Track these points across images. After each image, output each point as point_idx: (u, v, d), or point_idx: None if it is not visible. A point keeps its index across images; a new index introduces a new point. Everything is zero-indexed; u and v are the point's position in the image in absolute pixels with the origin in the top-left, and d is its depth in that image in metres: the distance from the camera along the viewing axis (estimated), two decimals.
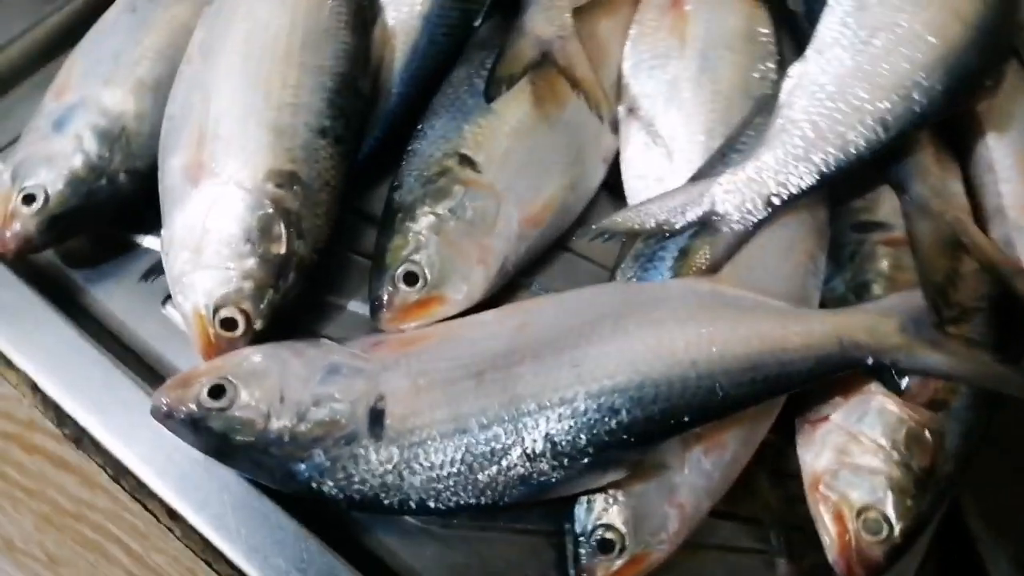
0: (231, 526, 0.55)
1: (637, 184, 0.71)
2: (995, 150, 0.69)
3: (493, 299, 0.64)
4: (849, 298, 0.62)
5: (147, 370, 0.61)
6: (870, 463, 0.59)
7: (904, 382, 0.59)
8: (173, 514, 0.55)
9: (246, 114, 0.61)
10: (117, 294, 0.65)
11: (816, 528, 0.60)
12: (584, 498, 0.57)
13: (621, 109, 0.73)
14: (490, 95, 0.64)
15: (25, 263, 0.61)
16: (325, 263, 0.64)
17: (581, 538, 0.56)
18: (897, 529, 0.58)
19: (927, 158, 0.64)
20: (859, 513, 0.58)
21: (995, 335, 0.63)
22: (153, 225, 0.63)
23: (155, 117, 0.64)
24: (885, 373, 0.58)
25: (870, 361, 0.56)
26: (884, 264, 0.63)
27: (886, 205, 0.66)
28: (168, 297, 0.63)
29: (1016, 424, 0.70)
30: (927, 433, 0.60)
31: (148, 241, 0.66)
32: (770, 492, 0.64)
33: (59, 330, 0.59)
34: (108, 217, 0.64)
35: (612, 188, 0.72)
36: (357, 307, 0.66)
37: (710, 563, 0.62)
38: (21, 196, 0.60)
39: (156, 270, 0.64)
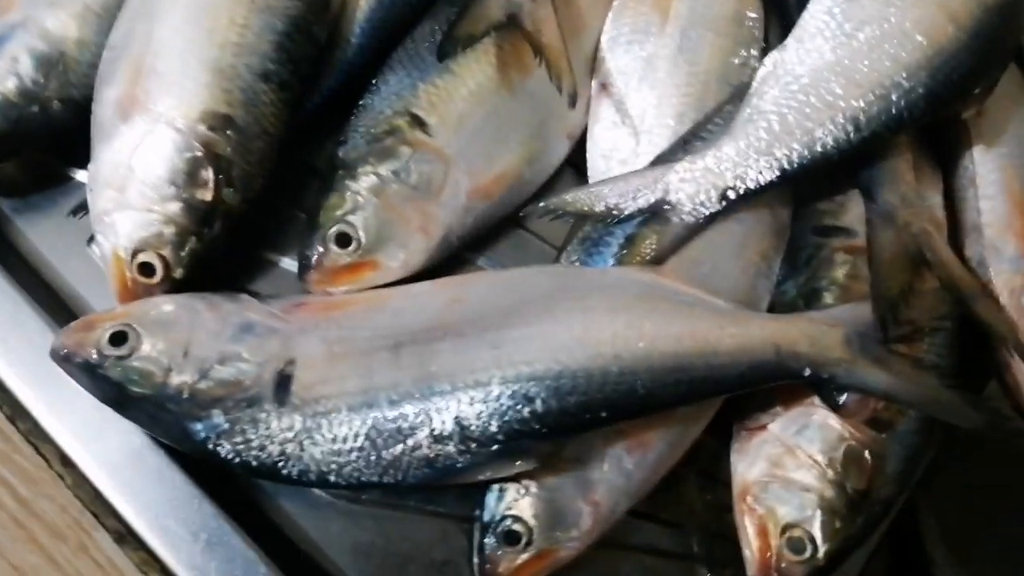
0: (125, 480, 0.53)
1: (601, 164, 0.68)
2: (980, 164, 0.65)
3: (436, 272, 0.62)
4: (799, 304, 0.59)
5: (63, 310, 0.59)
6: (803, 479, 0.57)
7: (845, 398, 0.56)
8: (66, 461, 0.53)
9: (186, 50, 0.58)
10: (43, 227, 0.62)
11: (739, 540, 0.57)
12: (497, 486, 0.54)
13: (594, 84, 0.69)
14: (443, 52, 0.60)
15: None
16: (262, 216, 0.61)
17: (488, 527, 0.54)
18: (821, 550, 0.55)
19: (902, 164, 0.60)
20: (784, 530, 0.56)
21: (956, 359, 0.60)
22: (74, 159, 0.61)
23: (97, 46, 0.60)
24: (824, 386, 0.55)
25: (807, 372, 0.53)
26: (840, 272, 0.60)
27: (854, 211, 0.62)
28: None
29: (983, 451, 0.68)
30: (867, 454, 0.57)
31: (82, 175, 0.63)
32: (698, 497, 0.61)
33: None
34: (40, 145, 0.62)
35: (579, 168, 0.69)
36: (291, 265, 0.63)
37: (627, 565, 0.60)
38: None
39: (86, 206, 0.61)
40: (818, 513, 0.56)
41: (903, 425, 0.58)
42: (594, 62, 0.70)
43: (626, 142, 0.67)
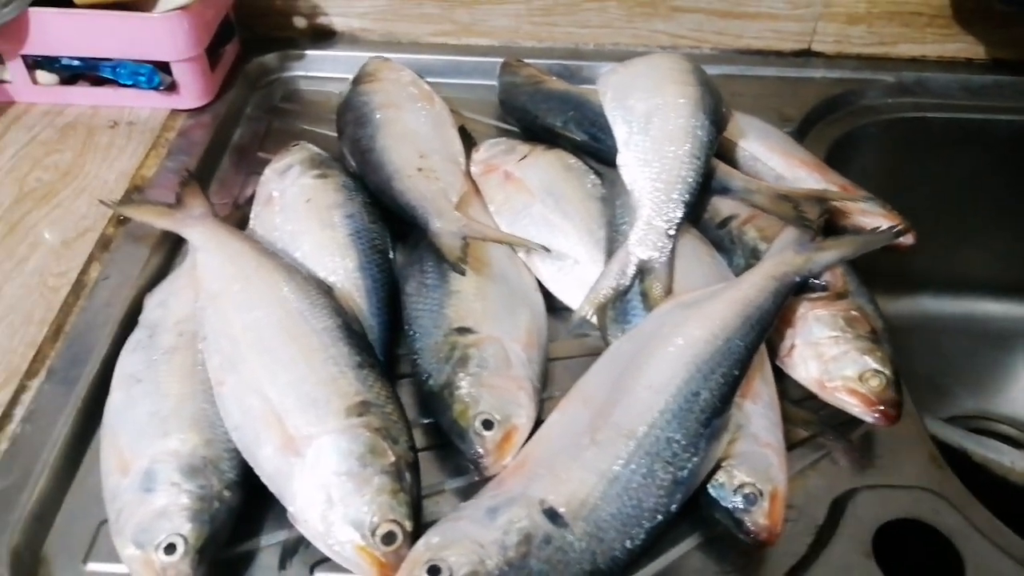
0: None
1: (566, 294, 0.92)
2: (749, 148, 1.01)
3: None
4: (752, 263, 0.86)
5: None
6: (840, 349, 0.80)
7: (820, 283, 0.83)
8: None
9: (300, 384, 0.72)
10: None
11: (845, 410, 0.79)
12: (712, 482, 0.71)
13: (520, 255, 0.95)
14: (461, 272, 0.82)
15: None
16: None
17: (732, 508, 0.70)
18: (889, 371, 0.79)
19: (726, 169, 0.93)
20: (861, 380, 0.79)
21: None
22: (250, 531, 0.72)
23: (220, 436, 0.72)
24: (807, 283, 0.82)
25: (797, 279, 0.80)
26: (752, 234, 0.89)
27: (723, 206, 0.93)
28: (314, 566, 0.70)
29: None
30: (853, 311, 0.84)
31: (265, 538, 0.72)
32: (800, 414, 0.82)
33: None
34: (231, 528, 0.70)
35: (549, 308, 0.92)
36: (454, 484, 0.77)
37: (809, 483, 0.78)
38: (162, 551, 0.64)
39: (287, 554, 0.70)
40: (866, 358, 0.79)
41: (851, 287, 0.86)
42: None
43: (572, 270, 0.92)
